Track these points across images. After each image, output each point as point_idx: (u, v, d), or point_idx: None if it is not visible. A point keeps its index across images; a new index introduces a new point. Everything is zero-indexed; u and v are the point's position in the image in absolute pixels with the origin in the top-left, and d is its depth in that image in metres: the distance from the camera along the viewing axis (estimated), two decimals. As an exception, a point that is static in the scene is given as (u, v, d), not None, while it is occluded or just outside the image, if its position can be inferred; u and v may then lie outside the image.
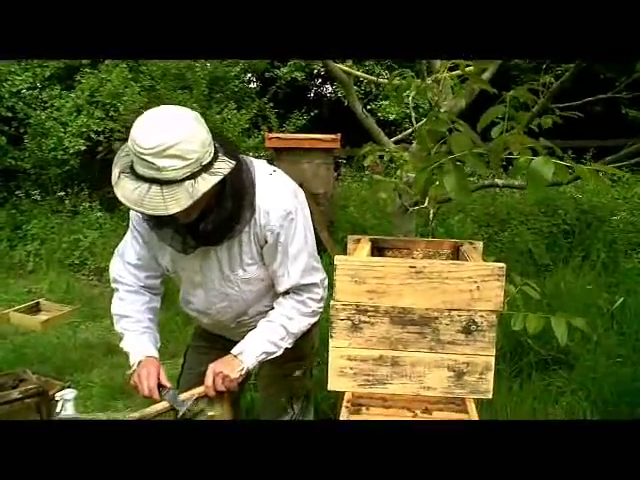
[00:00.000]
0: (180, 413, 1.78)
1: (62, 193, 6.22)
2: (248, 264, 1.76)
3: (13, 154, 6.21)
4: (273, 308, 1.84)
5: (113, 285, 1.92)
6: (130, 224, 1.86)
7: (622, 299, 3.61)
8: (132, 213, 1.82)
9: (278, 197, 1.71)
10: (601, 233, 5.02)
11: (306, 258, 1.77)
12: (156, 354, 1.83)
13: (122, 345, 1.85)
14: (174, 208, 1.48)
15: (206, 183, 1.51)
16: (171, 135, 1.46)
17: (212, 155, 1.55)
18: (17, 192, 6.18)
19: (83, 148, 6.03)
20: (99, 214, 5.90)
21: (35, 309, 4.57)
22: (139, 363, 1.78)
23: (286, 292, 1.81)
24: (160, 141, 1.45)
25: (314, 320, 1.86)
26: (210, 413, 1.75)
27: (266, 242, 1.72)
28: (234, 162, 1.59)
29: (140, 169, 1.49)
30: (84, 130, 6.08)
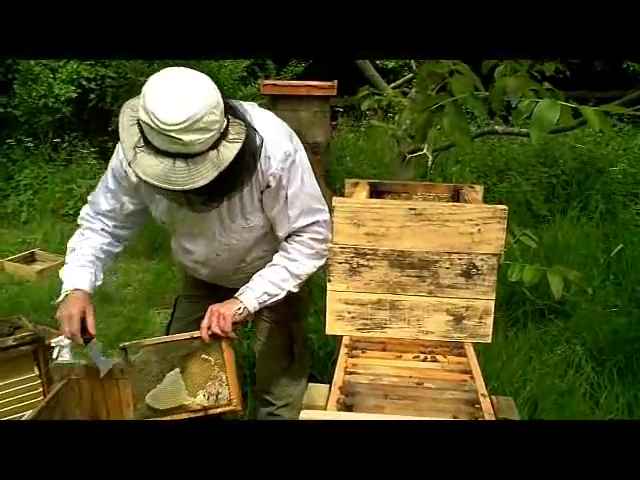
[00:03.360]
0: (102, 373, 1.80)
1: (57, 140, 6.10)
2: (249, 212, 1.73)
3: (1, 101, 6.05)
4: (275, 251, 1.81)
5: (79, 221, 1.87)
6: (108, 176, 1.79)
7: (621, 246, 3.59)
8: (114, 164, 1.75)
9: (277, 141, 1.67)
10: (600, 184, 4.99)
11: (304, 200, 1.73)
12: (87, 288, 1.76)
13: (60, 274, 1.81)
14: (201, 181, 1.44)
15: (229, 151, 1.46)
16: (196, 108, 1.39)
17: (226, 119, 1.49)
18: (8, 140, 6.05)
19: (74, 95, 5.88)
20: (93, 162, 5.79)
21: (30, 259, 4.54)
22: (67, 295, 1.74)
23: (288, 235, 1.78)
24: (187, 116, 1.37)
25: (320, 263, 1.80)
26: (204, 356, 1.74)
27: (268, 186, 1.68)
28: (242, 122, 1.53)
29: (162, 144, 1.42)
30: (75, 77, 5.90)
